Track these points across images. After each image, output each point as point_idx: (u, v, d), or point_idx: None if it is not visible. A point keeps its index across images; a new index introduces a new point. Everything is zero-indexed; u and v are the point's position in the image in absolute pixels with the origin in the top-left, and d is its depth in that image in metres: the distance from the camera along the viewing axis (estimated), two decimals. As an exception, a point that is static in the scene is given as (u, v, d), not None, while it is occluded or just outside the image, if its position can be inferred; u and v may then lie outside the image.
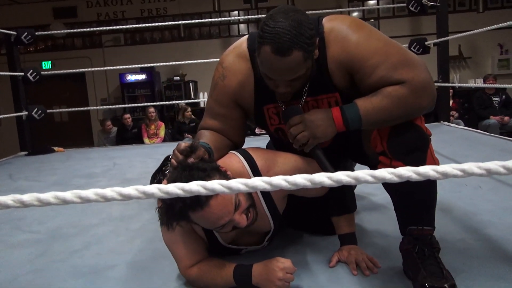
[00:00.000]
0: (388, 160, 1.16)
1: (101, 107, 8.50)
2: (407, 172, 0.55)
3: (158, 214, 1.12)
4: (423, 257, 1.13)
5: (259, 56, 1.12)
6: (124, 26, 7.21)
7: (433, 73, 5.66)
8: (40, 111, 3.91)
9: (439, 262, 1.12)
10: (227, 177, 1.10)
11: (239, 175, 1.21)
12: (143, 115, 7.36)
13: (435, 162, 1.18)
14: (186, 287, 1.22)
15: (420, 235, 1.16)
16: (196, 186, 0.57)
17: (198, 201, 1.03)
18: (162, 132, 6.79)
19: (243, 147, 1.37)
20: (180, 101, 7.40)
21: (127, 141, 6.46)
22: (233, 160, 1.25)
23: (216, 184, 0.56)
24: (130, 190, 0.55)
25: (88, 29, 4.64)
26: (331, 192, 1.37)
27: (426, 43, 3.69)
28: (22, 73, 3.80)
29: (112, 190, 0.57)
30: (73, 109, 4.70)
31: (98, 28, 5.33)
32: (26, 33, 3.71)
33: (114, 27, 7.48)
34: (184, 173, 1.05)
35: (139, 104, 7.34)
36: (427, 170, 0.52)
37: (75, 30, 4.81)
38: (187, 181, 1.02)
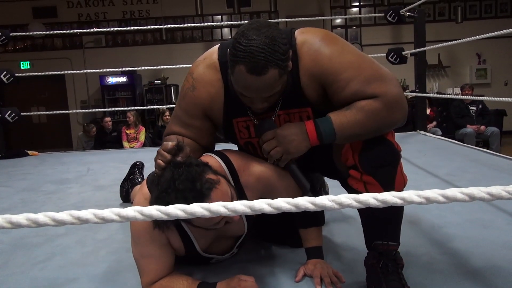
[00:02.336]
0: (359, 174, 1.16)
1: (80, 110, 8.39)
2: (393, 198, 0.55)
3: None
4: (386, 272, 1.14)
5: (233, 75, 1.10)
6: (106, 29, 7.12)
7: (411, 81, 5.75)
8: (13, 114, 3.82)
9: (402, 279, 1.13)
10: (216, 173, 1.09)
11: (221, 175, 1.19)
12: (124, 118, 7.29)
13: (404, 178, 1.19)
14: (147, 302, 1.19)
15: (385, 251, 1.17)
16: (175, 210, 0.55)
17: (200, 197, 1.01)
18: (142, 137, 6.72)
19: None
20: (161, 106, 7.35)
21: (105, 145, 6.38)
22: (210, 160, 1.23)
23: (196, 207, 0.54)
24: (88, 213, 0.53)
25: (67, 31, 4.58)
26: None
27: (403, 52, 3.73)
28: (-5, 75, 3.71)
29: (68, 214, 0.55)
30: (51, 112, 4.62)
31: (77, 30, 5.27)
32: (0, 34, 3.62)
33: (95, 30, 7.40)
34: (180, 170, 1.03)
35: (119, 108, 7.26)
36: (367, 198, 0.52)
37: (54, 32, 4.74)
38: (186, 177, 1.03)
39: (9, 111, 3.81)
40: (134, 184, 2.00)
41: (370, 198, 0.54)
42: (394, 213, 1.19)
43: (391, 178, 1.15)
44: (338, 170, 1.31)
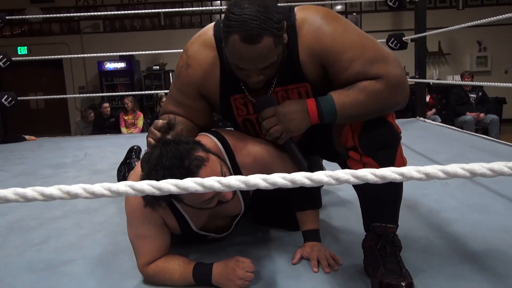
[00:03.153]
0: (358, 155, 1.15)
1: (78, 95, 8.33)
2: (391, 173, 0.53)
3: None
4: (384, 254, 1.12)
5: (227, 46, 1.08)
6: (103, 13, 7.04)
7: (411, 68, 5.71)
8: (10, 98, 3.78)
9: (399, 261, 1.12)
10: (207, 151, 1.08)
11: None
12: (122, 104, 7.24)
13: (403, 160, 1.18)
14: (143, 285, 1.19)
15: (383, 233, 1.16)
16: (167, 185, 0.53)
17: (187, 174, 0.99)
18: (140, 123, 6.69)
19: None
20: (159, 91, 7.30)
21: (103, 130, 6.35)
22: (205, 139, 1.21)
23: (189, 182, 0.53)
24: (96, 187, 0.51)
25: (64, 15, 4.52)
26: (295, 187, 1.34)
27: (403, 38, 3.69)
28: (-8, 59, 3.67)
29: (57, 189, 0.53)
30: (48, 96, 4.57)
31: (73, 14, 5.20)
32: (-5, 17, 3.58)
33: (93, 13, 7.31)
34: (168, 147, 1.02)
35: (117, 93, 7.21)
36: (365, 173, 0.50)
37: (50, 16, 4.66)
38: (173, 155, 1.01)
39: (6, 96, 3.78)
40: (131, 169, 1.98)
41: (368, 174, 0.53)
42: (393, 195, 1.18)
43: (391, 160, 1.13)
44: (337, 152, 1.29)
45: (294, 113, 1.13)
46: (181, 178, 1.02)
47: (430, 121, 4.06)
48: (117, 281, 1.21)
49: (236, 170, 1.24)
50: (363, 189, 1.20)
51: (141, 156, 2.18)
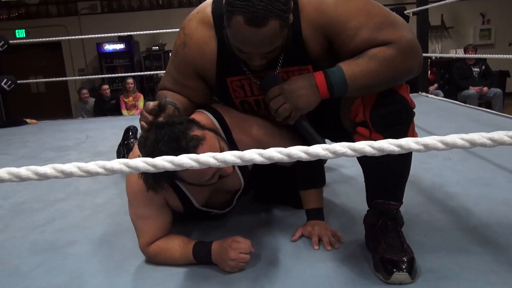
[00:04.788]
0: (368, 131, 1.10)
1: (78, 77, 8.29)
2: (389, 145, 0.52)
3: (141, 177, 1.08)
4: (385, 230, 1.12)
5: (230, 28, 1.01)
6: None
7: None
8: (10, 82, 3.77)
9: (401, 236, 1.11)
10: (203, 128, 1.06)
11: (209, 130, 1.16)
12: (122, 86, 7.20)
13: (415, 136, 1.12)
14: (146, 264, 1.20)
15: (386, 210, 1.14)
16: (163, 162, 0.52)
17: (181, 153, 0.98)
18: (141, 104, 6.66)
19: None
20: (159, 72, 7.24)
21: (105, 113, 6.33)
22: (201, 116, 1.20)
23: (184, 159, 0.52)
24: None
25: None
26: (298, 165, 1.34)
27: (405, 12, 3.63)
28: (-11, 42, 3.64)
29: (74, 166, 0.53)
30: (48, 79, 4.55)
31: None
32: (-10, 0, 3.53)
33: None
34: (163, 131, 1.00)
35: (118, 75, 7.16)
36: (363, 146, 0.49)
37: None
38: (169, 138, 1.00)
39: (5, 79, 3.76)
40: (130, 149, 1.98)
41: (366, 146, 0.52)
42: (399, 171, 1.14)
43: (402, 137, 1.09)
44: (344, 133, 1.24)
45: (302, 89, 1.06)
46: None
47: (432, 96, 4.03)
48: (120, 260, 1.22)
49: (233, 147, 1.22)
50: (368, 165, 1.19)
51: (138, 136, 2.18)
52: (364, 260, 1.12)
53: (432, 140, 0.50)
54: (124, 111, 6.55)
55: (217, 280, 1.08)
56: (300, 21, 1.10)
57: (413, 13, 3.73)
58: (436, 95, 5.24)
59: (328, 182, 1.74)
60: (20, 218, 1.60)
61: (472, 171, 1.76)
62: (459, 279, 1.00)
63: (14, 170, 0.50)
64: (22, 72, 8.29)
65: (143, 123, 1.07)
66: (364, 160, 1.19)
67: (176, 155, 0.97)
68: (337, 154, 0.50)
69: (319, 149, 0.50)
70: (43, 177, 0.50)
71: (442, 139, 0.50)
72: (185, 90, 1.26)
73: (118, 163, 0.50)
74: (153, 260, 1.19)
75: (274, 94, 1.08)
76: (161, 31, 4.60)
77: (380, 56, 1.01)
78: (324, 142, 1.14)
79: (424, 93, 3.96)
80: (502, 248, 1.13)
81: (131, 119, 4.35)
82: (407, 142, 0.50)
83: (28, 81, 4.83)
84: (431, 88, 6.31)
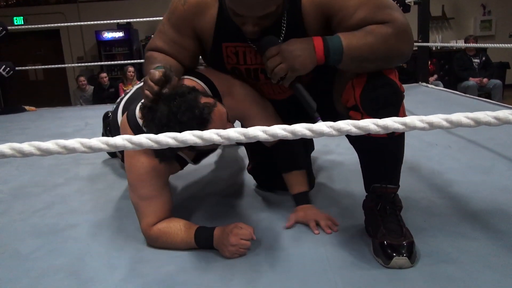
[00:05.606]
0: (359, 114, 1.12)
1: (76, 64, 8.24)
2: (394, 123, 0.52)
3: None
4: (384, 214, 1.12)
5: None
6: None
7: (414, 33, 5.60)
8: (8, 68, 3.75)
9: (400, 220, 1.11)
10: (208, 95, 1.11)
11: None
12: (121, 74, 7.17)
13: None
14: (147, 247, 1.20)
15: (384, 193, 1.15)
16: (166, 138, 0.52)
17: (202, 121, 1.03)
18: (140, 92, 6.64)
19: None
20: (158, 60, 7.20)
21: (103, 101, 6.31)
22: (192, 83, 1.19)
23: (188, 135, 0.52)
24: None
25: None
26: (278, 146, 1.35)
27: (406, 1, 3.61)
28: (-13, 28, 3.61)
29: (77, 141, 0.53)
30: (46, 66, 4.52)
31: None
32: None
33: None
34: (176, 102, 1.01)
35: (117, 62, 7.11)
36: (367, 123, 0.49)
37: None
38: (186, 108, 1.00)
39: (4, 66, 3.74)
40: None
41: (370, 124, 0.51)
42: (393, 154, 1.16)
43: None
44: (337, 116, 1.27)
45: (299, 50, 1.07)
46: (199, 129, 1.04)
47: (432, 86, 4.02)
48: (121, 243, 1.23)
49: None
50: (363, 149, 1.20)
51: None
52: (364, 244, 1.13)
53: (437, 118, 0.50)
54: (123, 100, 6.52)
55: (218, 264, 1.09)
56: None
57: (414, 3, 3.72)
58: (436, 85, 5.23)
59: (326, 167, 1.75)
60: (20, 202, 1.60)
61: (472, 159, 1.77)
62: (458, 263, 1.01)
63: (16, 145, 0.50)
64: (20, 59, 8.23)
65: (148, 92, 1.05)
66: (359, 145, 1.22)
67: (195, 123, 1.00)
68: (341, 132, 0.50)
69: (323, 127, 0.50)
70: (46, 152, 0.49)
71: (447, 117, 0.50)
72: (177, 49, 1.24)
73: (121, 139, 0.49)
74: (154, 242, 1.19)
75: (272, 54, 1.09)
76: (160, 18, 4.56)
77: (377, 32, 1.04)
78: (315, 106, 1.15)
79: (424, 84, 3.95)
80: (500, 233, 1.14)
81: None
82: (412, 120, 0.50)
83: (26, 67, 4.80)
84: (431, 79, 6.29)
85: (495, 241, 1.10)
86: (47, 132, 2.92)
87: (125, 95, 1.45)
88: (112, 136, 1.49)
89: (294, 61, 1.07)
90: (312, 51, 1.06)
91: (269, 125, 1.26)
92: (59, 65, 5.14)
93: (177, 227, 1.17)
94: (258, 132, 0.51)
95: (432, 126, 0.52)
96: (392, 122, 0.51)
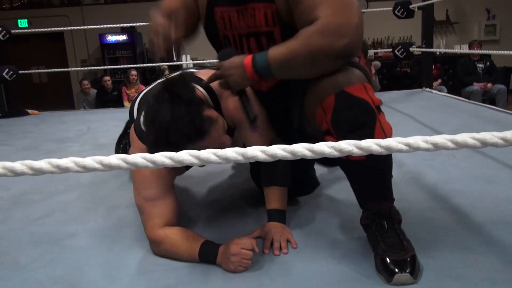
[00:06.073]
0: (335, 140, 1.07)
1: (80, 68, 8.25)
2: (398, 144, 0.51)
3: (149, 148, 1.10)
4: (382, 230, 1.09)
5: None
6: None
7: (418, 37, 5.60)
8: (11, 72, 3.75)
9: (399, 234, 1.08)
10: (211, 107, 1.15)
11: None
12: (125, 77, 7.18)
13: (386, 135, 1.06)
14: (147, 256, 1.18)
15: (378, 210, 1.11)
16: (162, 158, 0.51)
17: (201, 133, 1.04)
18: (143, 95, 6.64)
19: None
20: (162, 63, 7.21)
21: (106, 104, 6.32)
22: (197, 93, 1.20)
23: (185, 155, 0.51)
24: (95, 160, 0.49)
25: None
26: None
27: (410, 6, 3.59)
28: (-9, 32, 3.62)
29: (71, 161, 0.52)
30: (49, 70, 4.54)
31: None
32: (-7, -11, 3.50)
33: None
34: (180, 110, 1.02)
35: (120, 66, 7.13)
36: (370, 144, 0.48)
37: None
38: (188, 119, 1.00)
39: (7, 69, 3.74)
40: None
41: (373, 145, 0.50)
42: (381, 171, 1.11)
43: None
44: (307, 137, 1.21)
45: (233, 69, 1.12)
46: (195, 138, 1.02)
47: (436, 91, 4.00)
48: (120, 253, 1.21)
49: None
50: (347, 170, 1.16)
51: None
52: (367, 259, 1.10)
53: (442, 139, 0.48)
54: (126, 103, 6.53)
55: (218, 276, 1.07)
56: None
57: (418, 8, 3.70)
58: (440, 90, 5.21)
59: (328, 178, 1.73)
60: (20, 210, 1.59)
61: (476, 168, 1.75)
62: (463, 279, 0.99)
63: (8, 164, 0.49)
64: (25, 62, 8.27)
65: (157, 51, 1.16)
66: (342, 166, 1.18)
67: (193, 133, 1.00)
68: (342, 152, 0.49)
69: (324, 147, 0.49)
70: (39, 172, 0.48)
71: (452, 138, 0.48)
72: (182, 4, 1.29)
73: (116, 159, 0.48)
74: (157, 247, 1.17)
75: (217, 68, 1.17)
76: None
77: (301, 34, 1.03)
78: (253, 116, 1.17)
79: (428, 89, 3.93)
80: (506, 247, 1.12)
81: (133, 111, 4.33)
82: (416, 141, 0.48)
83: (30, 71, 4.81)
84: (435, 83, 6.27)
85: (500, 255, 1.08)
86: (49, 137, 2.92)
87: (137, 96, 1.45)
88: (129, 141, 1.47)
89: (228, 78, 1.14)
90: (243, 70, 1.10)
91: (260, 137, 1.24)
92: (62, 69, 5.14)
93: (184, 236, 1.15)
94: (257, 152, 0.50)
95: (436, 147, 0.50)
96: (395, 143, 0.50)
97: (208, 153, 0.49)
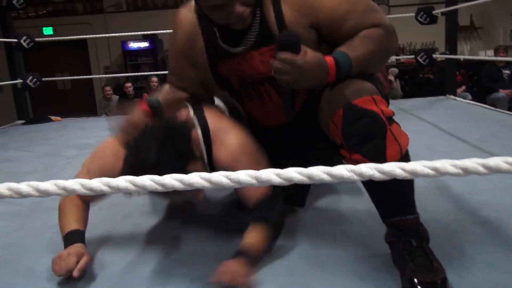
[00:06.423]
0: (348, 153, 1.05)
1: (103, 75, 8.39)
2: (424, 168, 0.47)
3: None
4: (410, 249, 1.03)
5: None
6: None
7: (441, 44, 5.49)
8: (35, 79, 3.82)
9: (428, 254, 1.01)
10: (196, 159, 1.06)
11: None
12: (146, 84, 7.26)
13: (400, 144, 1.02)
14: (162, 270, 1.16)
15: (404, 226, 1.05)
16: (149, 182, 0.49)
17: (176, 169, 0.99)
18: (163, 102, 6.69)
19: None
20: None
21: (128, 111, 6.38)
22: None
23: (195, 177, 0.48)
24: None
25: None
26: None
27: (433, 12, 3.52)
28: (16, 40, 3.69)
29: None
30: (71, 77, 4.62)
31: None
32: (17, -3, 3.58)
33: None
34: (165, 155, 0.98)
35: (141, 73, 7.22)
36: (393, 168, 0.44)
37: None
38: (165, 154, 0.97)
39: (31, 77, 3.81)
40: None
41: (397, 169, 0.46)
42: (403, 184, 1.05)
43: (381, 152, 1.00)
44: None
45: (311, 72, 1.01)
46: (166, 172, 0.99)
47: (460, 99, 3.90)
48: (134, 260, 1.19)
49: (211, 165, 1.20)
50: (369, 184, 1.09)
51: None
52: (393, 277, 1.04)
53: (472, 163, 0.45)
54: (147, 109, 6.59)
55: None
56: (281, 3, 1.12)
57: (442, 13, 3.62)
58: (464, 97, 5.09)
59: (352, 191, 1.67)
60: (38, 217, 1.59)
61: (503, 178, 1.67)
62: (493, 298, 0.93)
63: (14, 186, 0.47)
64: (49, 69, 8.45)
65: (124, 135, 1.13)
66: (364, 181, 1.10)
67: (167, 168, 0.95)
68: (363, 176, 0.46)
69: (343, 171, 0.45)
70: (44, 194, 0.47)
71: (484, 162, 0.45)
72: (185, 81, 1.31)
73: (124, 181, 0.46)
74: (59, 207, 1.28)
75: (284, 60, 1.00)
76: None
77: (373, 36, 1.09)
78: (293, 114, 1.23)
79: (452, 96, 3.83)
80: (539, 265, 1.05)
81: (153, 117, 4.36)
82: (444, 165, 0.45)
83: (53, 78, 4.90)
84: (459, 90, 6.13)
85: (533, 274, 1.02)
86: (70, 143, 2.95)
87: None
88: None
89: (301, 81, 1.02)
90: (324, 73, 1.03)
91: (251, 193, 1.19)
92: (85, 76, 5.22)
93: (72, 212, 1.25)
94: (272, 175, 0.46)
95: (466, 172, 0.47)
96: (421, 167, 0.46)
97: (220, 176, 0.46)
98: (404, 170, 0.45)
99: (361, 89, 1.04)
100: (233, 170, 1.19)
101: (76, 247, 1.14)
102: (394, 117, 1.06)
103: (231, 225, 1.42)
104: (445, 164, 0.45)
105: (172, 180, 0.45)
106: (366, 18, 1.10)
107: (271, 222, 1.17)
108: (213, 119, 1.23)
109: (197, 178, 0.45)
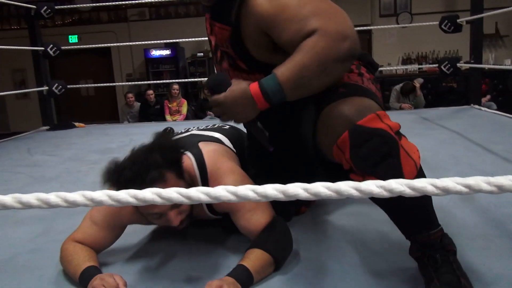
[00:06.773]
0: (360, 176, 0.99)
1: (125, 83, 8.53)
2: (456, 185, 0.46)
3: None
4: (435, 264, 0.99)
5: None
6: (149, 0, 7.12)
7: (465, 52, 5.40)
8: (60, 86, 3.90)
9: (455, 269, 0.97)
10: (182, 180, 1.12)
11: (190, 178, 1.20)
12: (167, 91, 7.34)
13: (414, 160, 0.97)
14: (175, 282, 1.16)
15: (428, 242, 1.01)
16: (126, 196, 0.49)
17: (139, 182, 1.04)
18: (184, 109, 6.76)
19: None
20: (203, 79, 7.33)
21: (149, 118, 6.47)
22: (184, 161, 1.17)
23: (222, 190, 0.48)
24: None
25: (110, 3, 4.61)
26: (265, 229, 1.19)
27: (458, 20, 3.46)
28: (43, 48, 3.78)
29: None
30: (95, 85, 4.71)
31: (120, 2, 5.22)
32: (45, 7, 3.68)
33: (139, 1, 7.41)
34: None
35: (163, 81, 7.31)
36: (424, 184, 0.43)
37: (99, 4, 4.77)
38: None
39: (56, 84, 3.90)
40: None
41: (428, 185, 0.45)
42: (419, 199, 1.01)
43: (397, 169, 0.95)
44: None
45: (239, 106, 1.06)
46: (133, 182, 1.02)
47: (485, 108, 3.81)
48: (154, 267, 1.20)
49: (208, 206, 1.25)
50: (384, 202, 1.04)
51: None
52: (414, 288, 1.03)
53: (508, 181, 0.43)
54: (168, 116, 6.66)
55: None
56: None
57: (467, 22, 3.56)
58: (489, 107, 4.98)
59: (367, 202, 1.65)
60: (62, 221, 1.61)
61: (533, 192, 1.62)
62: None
63: (43, 196, 0.48)
64: (74, 76, 8.65)
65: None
66: (375, 201, 1.04)
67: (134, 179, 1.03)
68: (393, 193, 0.45)
69: (373, 186, 0.44)
70: (72, 204, 0.47)
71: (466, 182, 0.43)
72: None
73: (150, 193, 0.46)
74: (61, 256, 1.20)
75: (214, 104, 1.11)
76: (206, 38, 4.64)
77: (305, 46, 1.00)
78: (270, 147, 1.16)
79: (476, 106, 3.76)
80: None
81: (175, 124, 4.41)
82: (477, 182, 0.43)
83: (77, 86, 5.00)
84: (484, 99, 6.01)
85: None
86: (93, 147, 3.00)
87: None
88: None
89: (234, 116, 1.09)
90: (251, 101, 1.05)
91: (256, 216, 1.19)
92: (108, 84, 5.32)
93: (82, 254, 1.17)
94: (299, 190, 0.46)
95: (502, 189, 0.45)
96: (453, 184, 0.44)
97: (247, 190, 0.45)
98: (436, 187, 0.43)
99: (361, 106, 0.98)
100: (231, 210, 1.21)
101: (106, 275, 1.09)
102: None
103: (226, 242, 1.41)
104: (479, 181, 0.44)
105: (200, 193, 0.45)
106: (306, 23, 1.01)
107: (272, 249, 1.12)
108: (209, 153, 1.26)
109: (175, 194, 0.45)
